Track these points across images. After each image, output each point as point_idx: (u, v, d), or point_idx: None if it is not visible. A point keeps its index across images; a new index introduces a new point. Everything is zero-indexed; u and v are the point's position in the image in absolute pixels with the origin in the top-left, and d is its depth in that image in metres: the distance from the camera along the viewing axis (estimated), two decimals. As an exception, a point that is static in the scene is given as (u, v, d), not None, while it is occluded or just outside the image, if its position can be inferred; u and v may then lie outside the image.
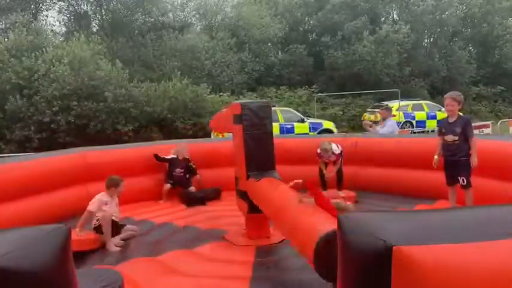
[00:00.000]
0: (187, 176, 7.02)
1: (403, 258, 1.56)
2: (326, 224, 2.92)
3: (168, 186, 6.89)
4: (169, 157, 7.00)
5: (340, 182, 6.70)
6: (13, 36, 16.65)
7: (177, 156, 6.99)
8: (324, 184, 6.67)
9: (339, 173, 6.69)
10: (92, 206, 4.83)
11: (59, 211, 5.88)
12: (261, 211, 4.45)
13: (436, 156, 5.24)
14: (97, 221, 4.80)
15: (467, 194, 5.01)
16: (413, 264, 1.54)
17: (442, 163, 5.21)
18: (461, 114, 5.23)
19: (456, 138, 4.95)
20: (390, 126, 7.95)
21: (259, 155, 4.70)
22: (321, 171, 6.75)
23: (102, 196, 4.92)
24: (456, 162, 4.96)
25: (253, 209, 4.61)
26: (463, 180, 4.95)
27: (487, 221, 1.73)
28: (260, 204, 4.38)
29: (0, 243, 1.85)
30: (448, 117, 5.17)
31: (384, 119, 8.28)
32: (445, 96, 5.23)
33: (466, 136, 4.91)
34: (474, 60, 27.89)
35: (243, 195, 4.76)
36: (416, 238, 1.60)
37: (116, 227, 4.90)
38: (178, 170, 6.94)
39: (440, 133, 5.19)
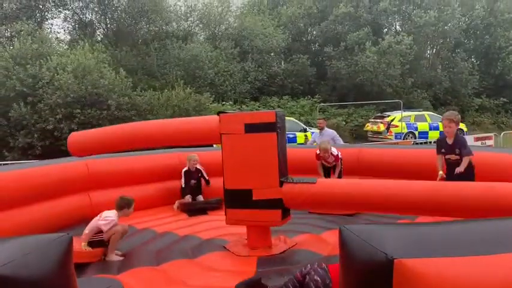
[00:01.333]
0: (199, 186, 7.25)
1: (405, 271, 1.56)
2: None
3: (188, 197, 7.02)
4: (184, 171, 7.13)
5: None
6: (18, 44, 16.78)
7: (189, 168, 7.10)
8: None
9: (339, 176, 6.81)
10: (106, 226, 4.70)
11: (61, 219, 5.89)
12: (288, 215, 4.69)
13: (440, 172, 5.33)
14: (96, 235, 4.76)
15: None
16: (414, 277, 1.54)
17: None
18: (458, 132, 5.35)
19: (457, 157, 5.18)
20: (328, 135, 8.37)
21: (285, 162, 4.80)
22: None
23: (115, 216, 4.79)
24: (461, 177, 5.07)
25: (286, 214, 4.72)
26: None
27: (488, 235, 1.74)
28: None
29: (1, 252, 1.86)
30: (446, 138, 5.33)
31: (321, 129, 8.74)
32: (442, 117, 5.39)
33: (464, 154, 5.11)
34: (477, 71, 27.93)
35: (268, 204, 4.66)
36: (417, 251, 1.60)
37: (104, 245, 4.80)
38: (192, 181, 7.14)
39: (441, 152, 5.36)
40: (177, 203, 6.98)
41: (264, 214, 4.69)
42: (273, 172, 4.63)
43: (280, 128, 4.66)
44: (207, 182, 7.25)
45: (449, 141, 5.24)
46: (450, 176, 5.20)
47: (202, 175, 7.25)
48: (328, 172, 6.93)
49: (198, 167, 7.22)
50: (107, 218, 4.74)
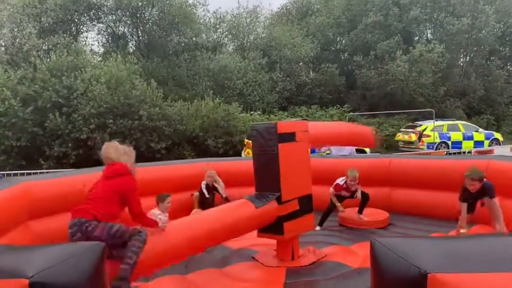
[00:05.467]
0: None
1: (439, 286, 1.52)
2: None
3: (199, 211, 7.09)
4: (204, 187, 7.21)
5: (364, 205, 6.39)
6: (54, 57, 17.41)
7: (208, 183, 7.21)
8: (326, 218, 6.36)
9: (364, 194, 6.34)
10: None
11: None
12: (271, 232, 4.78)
13: (462, 231, 5.25)
14: None
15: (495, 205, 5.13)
16: (449, 293, 1.50)
17: None
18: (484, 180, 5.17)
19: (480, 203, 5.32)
20: (347, 150, 7.97)
21: (265, 176, 4.93)
22: (331, 205, 6.33)
23: (155, 210, 5.21)
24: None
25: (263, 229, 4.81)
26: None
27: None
28: None
29: (37, 259, 1.92)
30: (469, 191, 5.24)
31: None
32: (465, 175, 5.18)
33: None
34: (513, 79, 27.10)
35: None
36: (452, 265, 1.56)
37: None
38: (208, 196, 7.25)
39: (465, 200, 5.29)
40: (194, 212, 7.01)
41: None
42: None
43: (256, 140, 4.79)
44: (225, 198, 7.15)
45: (472, 190, 5.14)
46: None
47: (216, 191, 7.31)
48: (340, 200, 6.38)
49: (215, 183, 7.30)
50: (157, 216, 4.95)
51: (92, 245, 2.09)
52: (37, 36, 19.82)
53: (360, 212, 6.39)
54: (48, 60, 17.92)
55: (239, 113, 19.59)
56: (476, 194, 5.14)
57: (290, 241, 4.77)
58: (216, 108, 18.50)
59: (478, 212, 5.63)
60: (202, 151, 17.68)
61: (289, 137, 4.76)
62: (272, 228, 4.63)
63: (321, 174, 6.80)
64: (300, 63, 26.77)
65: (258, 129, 4.77)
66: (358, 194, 6.29)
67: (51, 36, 20.12)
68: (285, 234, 4.63)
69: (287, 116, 22.97)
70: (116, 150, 3.63)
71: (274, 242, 4.94)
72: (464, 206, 5.24)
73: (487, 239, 2.02)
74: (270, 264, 4.68)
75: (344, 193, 6.28)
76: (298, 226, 4.84)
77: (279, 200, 4.62)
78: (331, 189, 6.33)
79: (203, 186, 7.18)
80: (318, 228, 6.15)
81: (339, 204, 6.28)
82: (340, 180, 6.22)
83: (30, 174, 10.33)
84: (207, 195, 7.17)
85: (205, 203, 7.10)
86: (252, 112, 21.65)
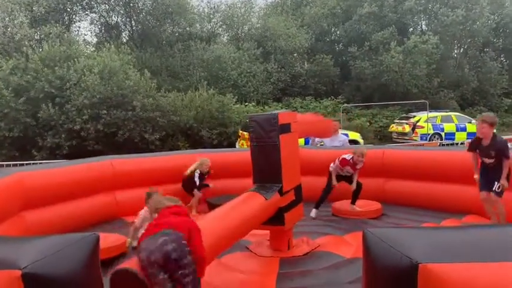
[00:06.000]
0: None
1: (430, 276, 1.53)
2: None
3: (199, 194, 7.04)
4: (199, 173, 7.09)
5: (357, 195, 6.43)
6: (47, 47, 17.22)
7: (201, 171, 7.11)
8: (323, 199, 6.37)
9: (358, 185, 6.37)
10: (136, 222, 5.03)
11: (88, 217, 6.02)
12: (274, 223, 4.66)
13: (476, 176, 5.19)
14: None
15: (498, 203, 4.97)
16: (439, 283, 1.51)
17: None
18: (496, 134, 5.08)
19: (492, 160, 4.97)
20: (340, 141, 7.89)
21: (265, 167, 4.83)
22: (328, 185, 6.36)
23: (145, 212, 4.99)
24: (495, 176, 4.95)
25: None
26: (498, 187, 4.90)
27: (517, 240, 1.69)
28: None
29: (30, 250, 1.92)
30: (481, 138, 5.07)
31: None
32: (477, 118, 5.19)
33: (501, 158, 4.89)
34: (506, 71, 27.19)
35: None
36: (442, 256, 1.57)
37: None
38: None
39: (475, 152, 5.16)
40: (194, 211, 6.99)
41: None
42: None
43: (254, 132, 4.69)
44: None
45: (485, 142, 5.01)
46: (484, 178, 5.05)
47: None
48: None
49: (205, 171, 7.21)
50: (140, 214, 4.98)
51: (85, 236, 2.09)
52: (29, 25, 19.58)
53: (353, 202, 6.43)
54: (41, 50, 17.73)
55: (233, 104, 19.54)
56: (487, 147, 4.98)
57: (285, 231, 4.79)
58: (210, 99, 18.44)
59: (471, 201, 5.67)
60: (196, 142, 17.65)
61: (287, 127, 4.77)
62: (274, 219, 4.61)
63: (314, 165, 6.83)
64: (295, 54, 26.71)
65: (257, 120, 4.68)
66: (354, 183, 6.30)
67: (43, 26, 19.88)
68: (285, 224, 4.65)
69: (281, 107, 22.95)
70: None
71: (267, 232, 4.96)
72: (474, 156, 5.16)
73: (478, 230, 2.04)
74: (264, 255, 4.71)
75: (348, 169, 6.21)
76: (294, 216, 4.88)
77: (280, 191, 4.63)
78: (332, 165, 6.30)
79: (196, 175, 7.11)
80: (314, 211, 6.24)
81: (335, 179, 6.27)
82: (347, 156, 6.20)
83: (23, 165, 10.28)
84: (198, 184, 7.11)
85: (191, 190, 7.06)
86: (247, 103, 21.60)
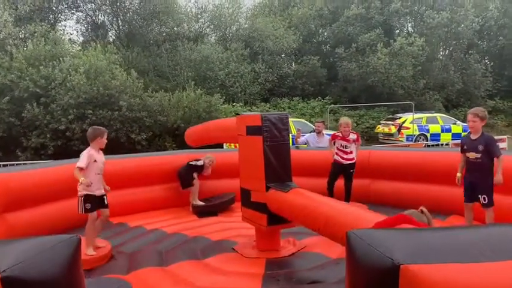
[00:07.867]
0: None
1: (411, 277, 1.54)
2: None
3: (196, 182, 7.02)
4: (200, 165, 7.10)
5: (349, 195, 6.54)
6: (31, 45, 17.00)
7: (204, 163, 7.12)
8: (331, 192, 6.51)
9: (348, 185, 6.54)
10: (80, 163, 4.68)
11: (72, 219, 5.93)
12: (282, 222, 4.55)
13: (458, 174, 5.10)
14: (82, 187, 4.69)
15: (488, 212, 4.85)
16: (421, 284, 1.52)
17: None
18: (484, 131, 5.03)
19: (478, 156, 4.84)
20: (326, 142, 8.03)
21: (279, 167, 4.70)
22: (331, 178, 6.56)
23: (90, 150, 4.79)
24: (478, 180, 4.85)
25: (273, 221, 4.60)
26: (484, 198, 4.80)
27: (497, 241, 1.71)
28: (295, 215, 4.31)
29: (10, 253, 1.88)
30: (470, 133, 5.04)
31: (318, 133, 8.60)
32: (468, 112, 5.13)
33: (489, 154, 4.82)
34: (490, 73, 27.58)
35: (259, 207, 4.71)
36: (424, 257, 1.58)
37: (100, 202, 4.84)
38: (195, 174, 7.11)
39: (463, 150, 5.06)
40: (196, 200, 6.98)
41: (257, 216, 4.81)
42: (261, 176, 4.67)
43: (268, 131, 4.63)
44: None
45: (473, 136, 4.93)
46: (469, 176, 4.93)
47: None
48: (340, 173, 6.63)
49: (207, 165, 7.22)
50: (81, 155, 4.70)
51: (67, 237, 2.06)
52: (13, 24, 19.30)
53: (347, 201, 6.52)
54: (25, 49, 17.49)
55: (221, 105, 19.51)
56: (474, 141, 4.91)
57: (272, 232, 4.79)
58: (198, 100, 18.38)
59: (455, 202, 5.72)
60: (183, 142, 17.45)
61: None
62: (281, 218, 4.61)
63: (301, 167, 6.84)
64: (282, 55, 26.77)
65: (270, 119, 4.65)
66: (355, 154, 6.58)
67: (28, 25, 19.62)
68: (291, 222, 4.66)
69: (269, 108, 22.98)
70: None
71: (253, 233, 4.96)
72: (463, 157, 5.04)
73: (461, 231, 2.06)
74: (249, 256, 4.70)
75: (341, 142, 6.56)
76: None
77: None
78: (329, 148, 6.84)
79: (201, 163, 7.08)
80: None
81: (333, 148, 6.67)
82: (336, 132, 6.76)
83: (6, 165, 10.13)
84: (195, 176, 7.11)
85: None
86: (234, 103, 21.59)
